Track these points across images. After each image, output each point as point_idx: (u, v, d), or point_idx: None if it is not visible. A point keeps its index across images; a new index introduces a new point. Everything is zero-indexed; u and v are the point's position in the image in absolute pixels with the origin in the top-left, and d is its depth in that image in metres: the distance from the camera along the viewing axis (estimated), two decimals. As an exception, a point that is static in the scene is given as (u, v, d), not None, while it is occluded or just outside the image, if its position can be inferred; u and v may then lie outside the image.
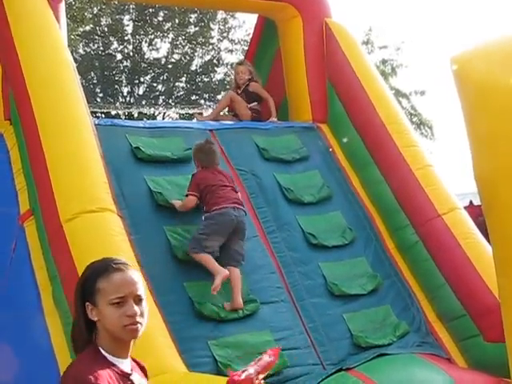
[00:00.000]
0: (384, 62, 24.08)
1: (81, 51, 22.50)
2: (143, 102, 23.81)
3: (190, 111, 22.83)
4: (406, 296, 6.48)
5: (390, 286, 6.49)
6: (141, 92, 24.55)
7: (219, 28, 24.01)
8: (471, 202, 13.27)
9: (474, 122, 3.16)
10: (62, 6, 6.24)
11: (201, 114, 19.46)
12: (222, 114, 7.95)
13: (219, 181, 5.78)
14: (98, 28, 23.14)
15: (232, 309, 5.51)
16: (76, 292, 2.50)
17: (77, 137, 5.21)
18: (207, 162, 5.93)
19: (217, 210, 5.62)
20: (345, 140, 7.21)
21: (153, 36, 23.80)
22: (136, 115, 23.17)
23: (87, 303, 2.44)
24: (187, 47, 24.11)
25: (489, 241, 3.42)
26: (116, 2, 21.83)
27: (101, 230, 4.80)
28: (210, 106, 22.96)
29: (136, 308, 2.41)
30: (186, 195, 5.79)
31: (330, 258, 6.37)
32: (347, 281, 6.24)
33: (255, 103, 7.62)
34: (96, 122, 5.87)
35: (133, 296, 2.42)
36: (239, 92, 7.68)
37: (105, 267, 2.45)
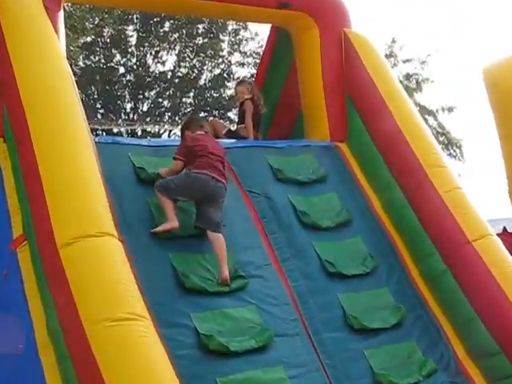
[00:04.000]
0: (408, 76, 24.18)
1: (81, 64, 22.66)
2: (147, 119, 23.94)
3: (199, 129, 22.92)
4: (433, 330, 6.44)
5: (416, 319, 6.46)
6: (145, 108, 24.67)
7: (230, 40, 24.16)
8: (505, 229, 13.17)
9: (508, 136, 3.16)
10: (61, 15, 6.31)
11: None
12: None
13: (209, 147, 6.04)
14: (99, 39, 23.34)
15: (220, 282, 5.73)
16: None
17: (75, 155, 5.22)
18: (196, 127, 6.27)
19: (197, 173, 5.89)
20: None
21: (158, 48, 23.96)
22: (140, 133, 23.28)
23: None
24: (195, 60, 24.25)
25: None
26: (119, 11, 22.03)
27: (100, 257, 4.79)
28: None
29: None
30: (174, 158, 6.12)
31: (349, 288, 6.36)
32: (368, 313, 6.22)
33: (243, 125, 7.64)
34: (97, 140, 5.92)
35: None
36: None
37: None
